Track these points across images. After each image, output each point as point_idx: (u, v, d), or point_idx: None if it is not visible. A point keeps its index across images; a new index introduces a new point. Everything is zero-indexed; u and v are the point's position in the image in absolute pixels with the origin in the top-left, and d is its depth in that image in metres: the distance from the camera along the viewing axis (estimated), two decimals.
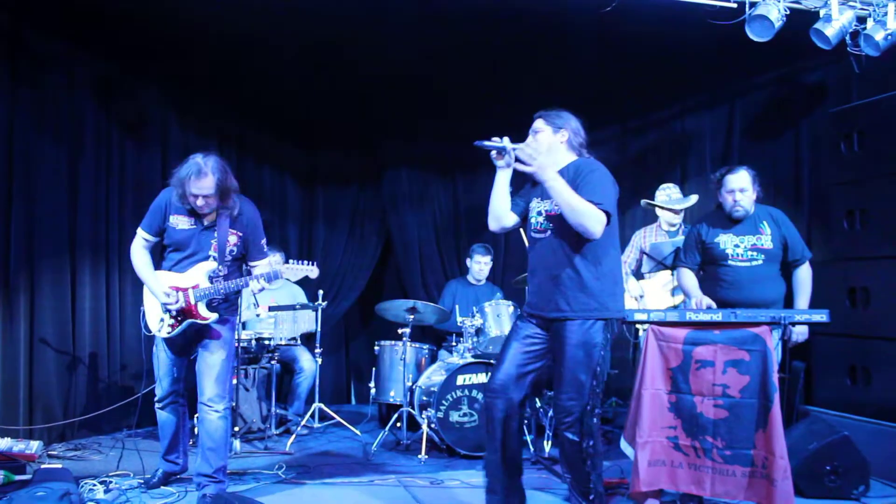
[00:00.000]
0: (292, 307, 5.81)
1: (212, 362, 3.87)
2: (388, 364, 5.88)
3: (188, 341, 3.97)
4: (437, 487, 4.21)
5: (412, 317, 5.58)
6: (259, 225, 4.03)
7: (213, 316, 3.86)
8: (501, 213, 3.55)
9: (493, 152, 3.40)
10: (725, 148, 6.30)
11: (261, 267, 4.00)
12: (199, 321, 3.85)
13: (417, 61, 5.72)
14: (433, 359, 5.98)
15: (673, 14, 4.80)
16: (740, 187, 4.25)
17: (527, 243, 3.63)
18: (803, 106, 5.73)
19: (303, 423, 5.62)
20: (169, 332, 3.89)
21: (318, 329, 5.83)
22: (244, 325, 5.91)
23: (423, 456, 4.87)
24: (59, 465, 4.27)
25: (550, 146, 3.46)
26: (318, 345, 5.81)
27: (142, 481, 4.15)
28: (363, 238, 7.84)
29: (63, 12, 5.04)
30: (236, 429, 5.16)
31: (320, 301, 5.72)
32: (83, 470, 4.37)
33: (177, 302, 3.80)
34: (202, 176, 3.68)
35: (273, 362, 5.73)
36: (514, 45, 5.52)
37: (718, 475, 3.49)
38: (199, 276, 3.86)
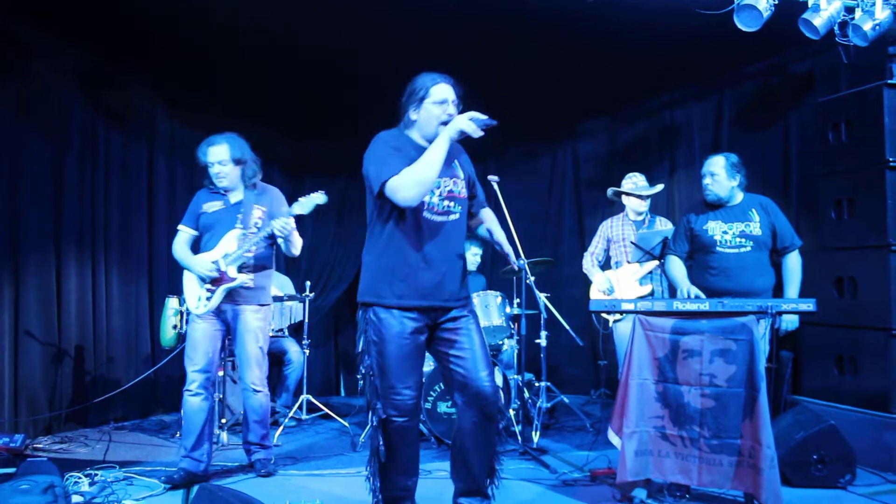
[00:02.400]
0: (280, 299, 5.77)
1: (251, 350, 4.20)
2: None
3: (224, 322, 4.20)
4: (423, 478, 4.14)
5: None
6: (283, 200, 4.37)
7: (242, 277, 4.10)
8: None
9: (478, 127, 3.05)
10: (715, 138, 6.31)
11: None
12: (230, 284, 4.09)
13: (406, 50, 5.65)
14: None
15: (661, 3, 4.81)
16: (710, 171, 4.30)
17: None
18: (792, 96, 5.74)
19: (290, 414, 5.60)
20: (206, 306, 4.11)
21: (306, 320, 5.79)
22: None
23: None
24: (45, 458, 4.23)
25: None
26: (305, 336, 5.77)
27: (163, 478, 4.01)
28: (351, 227, 7.79)
29: (49, 2, 4.97)
30: (223, 421, 5.14)
31: (308, 292, 5.68)
32: (69, 463, 4.33)
33: (213, 272, 4.07)
34: (213, 143, 4.15)
35: None
36: (503, 36, 5.49)
37: (705, 464, 3.49)
38: (227, 243, 4.13)
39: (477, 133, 3.04)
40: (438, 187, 3.12)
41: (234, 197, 4.26)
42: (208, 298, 4.13)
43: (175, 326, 5.28)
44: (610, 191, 5.51)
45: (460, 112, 3.15)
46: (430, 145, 3.06)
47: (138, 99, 6.13)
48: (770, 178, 5.77)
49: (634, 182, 5.44)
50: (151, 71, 6.06)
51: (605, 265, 5.59)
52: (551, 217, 7.69)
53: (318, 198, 4.14)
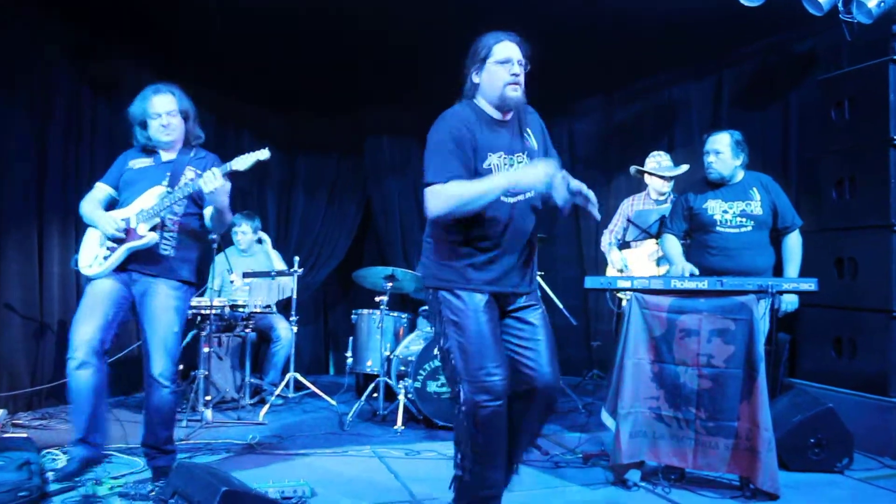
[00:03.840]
0: (268, 274, 5.66)
1: (162, 334, 3.41)
2: (365, 333, 5.76)
3: (132, 294, 3.46)
4: (412, 459, 4.10)
5: (390, 285, 5.44)
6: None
7: (151, 235, 3.38)
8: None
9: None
10: (713, 118, 6.19)
11: None
12: (137, 243, 3.38)
13: (401, 27, 5.53)
14: (412, 328, 5.85)
15: None
16: (715, 149, 4.19)
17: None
18: (792, 75, 5.62)
19: (277, 392, 5.49)
20: (101, 266, 3.42)
21: (295, 297, 5.68)
22: (219, 293, 5.76)
23: (399, 427, 4.76)
24: (24, 435, 4.11)
25: None
26: (294, 313, 5.65)
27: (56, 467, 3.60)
28: (343, 206, 7.72)
29: None
30: (208, 398, 5.03)
31: (296, 268, 5.57)
32: (49, 439, 4.20)
33: (120, 229, 3.40)
34: (161, 92, 3.56)
35: (248, 331, 5.60)
36: (499, 13, 5.31)
37: (701, 447, 3.42)
38: (145, 199, 3.46)
39: (560, 201, 2.70)
40: (512, 165, 2.84)
41: (167, 156, 3.59)
42: (106, 258, 3.43)
43: None
44: (632, 169, 5.37)
45: (527, 73, 2.89)
46: (492, 179, 2.72)
47: (126, 72, 5.96)
48: (769, 158, 5.66)
49: (658, 161, 5.30)
50: (139, 43, 5.88)
51: (623, 245, 5.44)
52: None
53: (261, 154, 3.45)
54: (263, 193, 7.51)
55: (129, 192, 3.52)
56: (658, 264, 5.09)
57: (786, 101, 5.69)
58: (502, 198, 2.77)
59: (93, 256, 3.48)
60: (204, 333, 5.15)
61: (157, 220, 3.43)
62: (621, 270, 5.23)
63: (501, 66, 2.85)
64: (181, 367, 5.42)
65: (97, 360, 3.34)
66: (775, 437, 3.32)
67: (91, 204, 3.56)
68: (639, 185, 5.54)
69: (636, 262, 5.20)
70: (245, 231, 6.18)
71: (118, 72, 5.88)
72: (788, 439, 3.76)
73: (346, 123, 7.48)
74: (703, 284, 3.48)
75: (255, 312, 5.59)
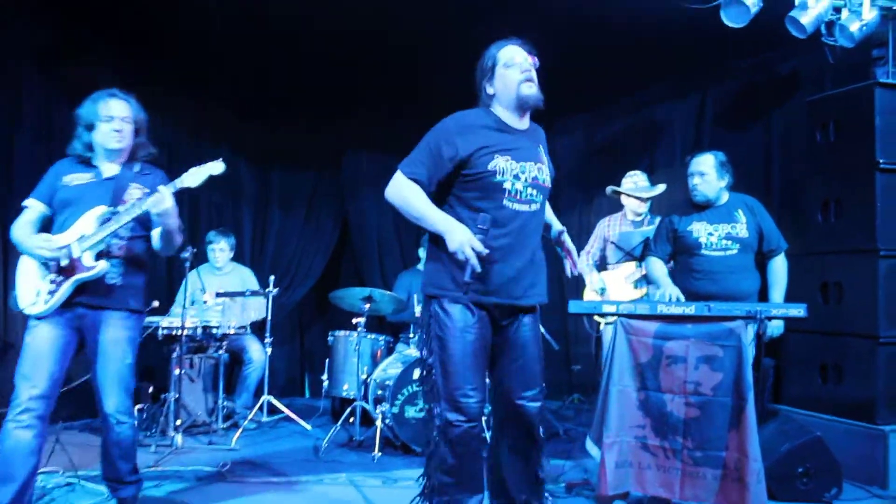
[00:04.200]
0: (241, 294, 5.50)
1: (115, 369, 3.14)
2: (342, 355, 5.61)
3: (77, 330, 3.16)
4: (390, 487, 3.97)
5: (368, 306, 5.31)
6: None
7: (101, 265, 3.07)
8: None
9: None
10: (696, 137, 6.16)
11: None
12: (85, 275, 3.06)
13: (379, 41, 5.44)
14: (390, 351, 5.72)
15: None
16: (699, 170, 4.10)
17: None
18: (776, 96, 5.61)
19: (250, 416, 5.32)
20: (46, 303, 3.07)
21: (269, 318, 5.52)
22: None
23: (376, 453, 4.60)
24: None
25: None
26: (268, 334, 5.50)
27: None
28: (320, 223, 7.58)
29: None
30: (178, 422, 4.85)
31: (272, 288, 5.42)
32: None
33: (59, 255, 3.06)
34: (117, 97, 3.24)
35: (221, 352, 5.43)
36: (480, 28, 5.24)
37: (688, 478, 3.30)
38: (86, 224, 3.12)
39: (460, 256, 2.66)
40: (524, 172, 2.81)
41: (108, 171, 3.24)
42: (51, 293, 3.08)
43: None
44: (609, 189, 5.28)
45: (537, 71, 2.89)
46: (435, 213, 2.74)
47: (98, 80, 5.78)
48: (752, 179, 5.59)
49: (635, 181, 5.23)
50: (113, 51, 5.75)
51: (603, 266, 5.36)
52: None
53: (213, 167, 3.19)
54: (239, 209, 7.35)
55: (67, 214, 3.16)
56: (636, 287, 5.02)
57: (768, 121, 5.67)
58: (508, 203, 2.78)
59: (34, 292, 3.12)
60: (175, 355, 4.98)
61: (103, 246, 3.11)
62: (600, 292, 5.13)
63: (510, 69, 2.84)
64: (151, 389, 5.30)
65: (41, 423, 3.05)
66: (765, 465, 3.22)
67: (24, 228, 3.19)
68: (618, 205, 5.47)
69: (614, 285, 5.11)
70: (223, 248, 6.04)
71: (92, 78, 5.70)
72: (776, 468, 3.66)
73: (324, 138, 7.35)
74: (691, 310, 3.38)
75: (229, 333, 5.43)
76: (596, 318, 5.11)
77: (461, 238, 2.65)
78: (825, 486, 3.73)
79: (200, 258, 6.24)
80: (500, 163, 2.77)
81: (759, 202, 4.20)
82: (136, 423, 3.37)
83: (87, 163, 3.25)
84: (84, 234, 3.09)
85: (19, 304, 3.15)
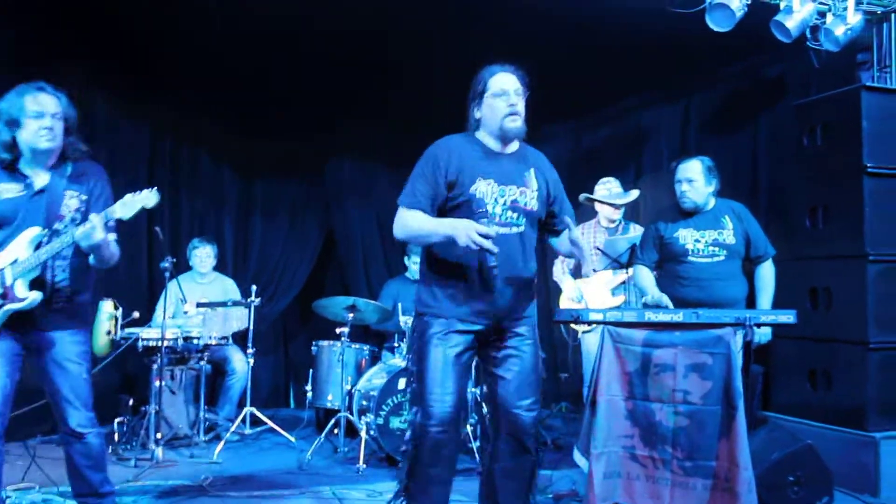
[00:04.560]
0: (223, 304, 5.42)
1: (72, 385, 3.05)
2: (326, 366, 5.52)
3: (26, 347, 3.05)
4: (374, 500, 3.89)
5: (352, 315, 5.23)
6: (108, 187, 3.19)
7: (33, 295, 2.92)
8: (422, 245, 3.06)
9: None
10: (682, 143, 6.13)
11: None
12: (14, 306, 2.91)
13: (362, 46, 5.38)
14: (375, 360, 5.64)
15: (629, 4, 4.62)
16: (687, 177, 4.05)
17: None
18: (762, 101, 5.59)
19: (233, 428, 5.22)
20: None
21: (251, 328, 5.43)
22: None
23: (361, 465, 4.52)
24: None
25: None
26: (250, 345, 5.41)
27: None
28: (304, 232, 7.46)
29: None
30: (159, 435, 4.75)
31: (254, 298, 5.33)
32: None
33: None
34: (47, 91, 2.97)
35: (202, 363, 5.33)
36: (464, 35, 5.22)
37: (678, 488, 3.24)
38: (19, 247, 2.94)
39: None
40: (503, 195, 2.90)
41: (39, 180, 3.01)
42: None
43: (109, 332, 4.87)
44: (582, 196, 5.23)
45: (526, 102, 2.96)
46: (438, 223, 2.84)
47: (75, 87, 5.70)
48: (739, 184, 5.58)
49: (609, 188, 5.18)
50: (89, 57, 5.63)
51: (578, 273, 5.30)
52: None
53: (148, 198, 3.01)
54: (221, 217, 7.24)
55: (6, 233, 2.98)
56: (613, 294, 4.96)
57: (755, 126, 5.66)
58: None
59: None
60: (156, 366, 4.89)
61: (38, 272, 2.96)
62: (577, 300, 5.08)
63: (498, 99, 2.90)
64: (131, 401, 5.19)
65: None
66: (755, 474, 3.17)
67: None
68: (591, 212, 5.42)
69: (591, 292, 5.05)
70: (208, 254, 5.98)
71: (67, 85, 5.62)
72: (767, 477, 3.60)
73: (307, 145, 7.24)
74: (679, 317, 3.33)
75: (211, 344, 5.33)
76: (573, 325, 5.04)
77: (465, 232, 2.69)
78: (816, 495, 3.68)
79: (181, 268, 6.15)
80: (480, 186, 2.87)
81: (746, 208, 4.15)
82: (101, 431, 3.20)
83: (12, 168, 3.02)
84: (17, 259, 2.93)
85: None
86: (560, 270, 5.32)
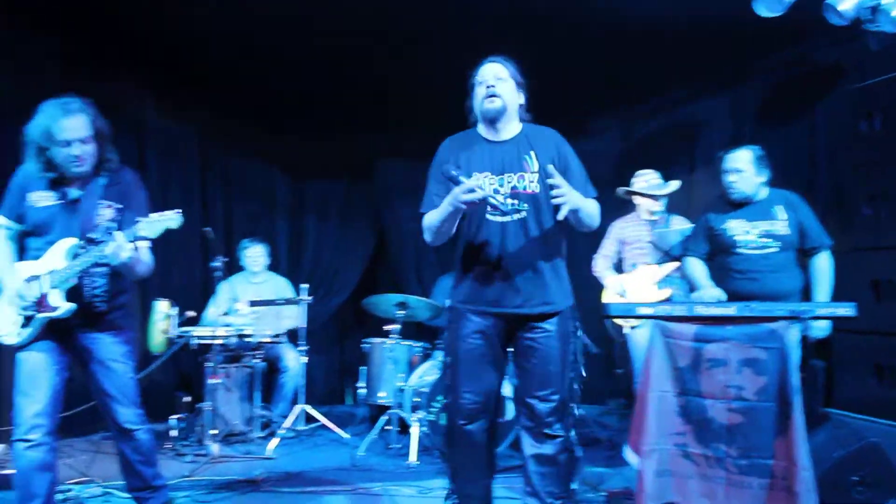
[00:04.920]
0: (275, 302, 5.49)
1: (118, 383, 3.14)
2: (377, 363, 5.55)
3: (64, 348, 3.11)
4: (424, 496, 3.89)
5: (402, 312, 5.25)
6: (142, 196, 3.24)
7: (67, 305, 2.99)
8: (450, 235, 3.03)
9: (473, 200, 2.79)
10: (736, 134, 5.95)
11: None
12: (50, 314, 2.99)
13: (409, 46, 5.40)
14: (427, 357, 5.64)
15: None
16: (735, 167, 3.94)
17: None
18: (818, 87, 5.40)
19: (286, 425, 5.29)
20: (19, 335, 3.02)
21: (304, 326, 5.49)
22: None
23: (412, 461, 4.54)
24: None
25: (513, 103, 3.05)
26: (302, 342, 5.48)
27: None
28: (356, 231, 7.57)
29: None
30: (214, 432, 4.84)
31: (305, 296, 5.39)
32: None
33: (31, 298, 3.01)
34: (70, 114, 2.97)
35: (256, 360, 5.41)
36: (511, 30, 5.18)
37: (733, 487, 3.14)
38: (55, 257, 3.03)
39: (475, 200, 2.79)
40: (502, 185, 2.95)
41: (75, 190, 3.10)
42: (23, 326, 3.02)
43: (165, 331, 4.99)
44: (620, 190, 5.14)
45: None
46: (441, 208, 2.89)
47: (127, 94, 5.86)
48: (794, 174, 5.41)
49: (647, 180, 5.07)
50: (141, 65, 5.78)
51: (619, 268, 5.22)
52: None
53: (171, 220, 2.97)
54: (274, 219, 7.38)
55: (40, 241, 3.08)
56: (659, 287, 4.86)
57: (811, 114, 5.47)
58: (490, 217, 2.93)
59: (10, 321, 3.05)
60: (210, 364, 4.98)
61: (74, 282, 3.02)
62: (621, 296, 4.98)
63: (479, 86, 3.03)
64: (188, 399, 5.30)
65: (50, 438, 3.01)
66: (815, 474, 3.06)
67: (0, 252, 3.13)
68: (630, 206, 5.31)
69: (635, 286, 4.95)
70: (259, 253, 6.08)
71: (119, 95, 5.76)
72: (829, 476, 3.47)
73: (356, 146, 7.30)
74: (731, 310, 3.23)
75: (264, 342, 5.41)
76: (618, 321, 4.94)
77: (453, 200, 2.79)
78: (882, 496, 3.52)
79: (235, 268, 6.26)
80: (477, 180, 2.90)
81: (801, 197, 4.00)
82: (150, 428, 3.30)
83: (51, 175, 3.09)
84: (54, 269, 3.01)
85: None
86: (602, 266, 5.23)
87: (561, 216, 2.83)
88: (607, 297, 5.12)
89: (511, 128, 3.05)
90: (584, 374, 3.14)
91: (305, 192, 7.57)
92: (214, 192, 6.83)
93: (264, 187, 7.34)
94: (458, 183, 2.80)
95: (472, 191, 2.75)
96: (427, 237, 3.03)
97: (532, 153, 2.99)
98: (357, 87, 6.14)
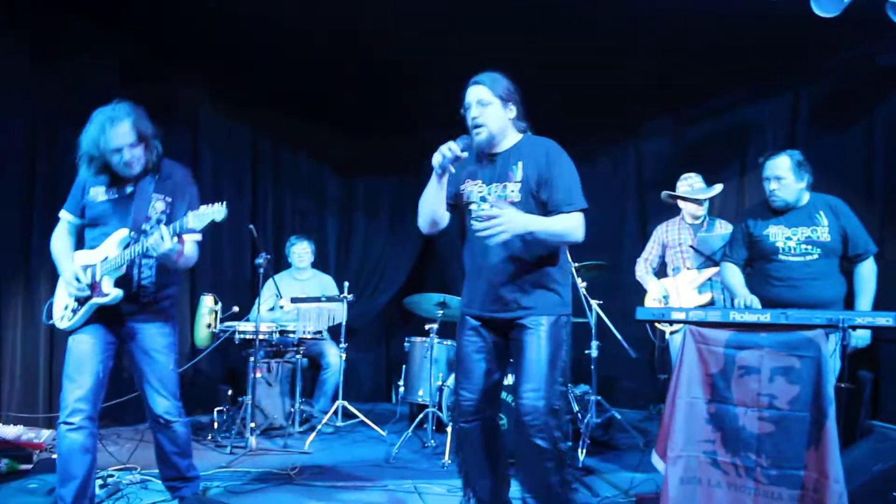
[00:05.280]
0: (317, 299, 5.57)
1: (160, 374, 3.28)
2: (417, 362, 5.59)
3: (117, 336, 3.27)
4: (453, 495, 3.89)
5: (442, 312, 5.27)
6: (193, 191, 3.38)
7: (116, 292, 3.15)
8: (439, 216, 3.11)
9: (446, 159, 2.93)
10: (789, 138, 5.82)
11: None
12: (101, 300, 3.16)
13: (458, 45, 5.41)
14: None
15: None
16: (775, 174, 3.81)
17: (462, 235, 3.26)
18: (877, 91, 5.24)
19: (325, 420, 5.37)
20: (71, 320, 3.20)
21: (345, 323, 5.57)
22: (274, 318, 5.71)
23: (447, 461, 4.55)
24: None
25: (501, 124, 3.08)
26: (342, 340, 5.54)
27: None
28: (404, 229, 7.61)
29: None
30: (253, 425, 4.94)
31: (346, 293, 5.46)
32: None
33: (85, 282, 3.18)
34: (117, 122, 3.14)
35: (298, 356, 5.51)
36: (562, 31, 5.17)
37: (762, 498, 3.07)
38: (109, 247, 3.20)
39: (447, 160, 2.93)
40: (490, 194, 3.05)
41: (130, 186, 3.29)
42: (74, 311, 3.20)
43: (209, 325, 5.13)
44: (664, 194, 5.08)
45: (489, 112, 3.07)
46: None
47: (182, 92, 6.04)
48: (851, 182, 5.26)
49: (690, 184, 5.01)
50: (195, 63, 5.98)
51: (662, 272, 5.15)
52: (612, 221, 7.25)
53: (216, 212, 3.03)
54: (324, 215, 7.49)
55: (95, 232, 3.28)
56: (700, 292, 4.77)
57: (870, 118, 5.31)
58: (475, 224, 2.94)
59: (63, 307, 3.26)
60: (252, 359, 5.09)
61: (123, 271, 3.19)
62: (659, 300, 4.91)
63: (466, 113, 3.09)
64: (230, 392, 5.42)
65: (91, 423, 3.13)
66: (852, 487, 2.96)
67: (61, 242, 3.34)
68: (676, 209, 5.22)
69: (676, 291, 4.87)
70: (306, 250, 6.17)
71: (174, 93, 5.95)
72: (866, 490, 3.34)
73: (405, 145, 7.37)
74: (766, 317, 3.16)
75: (306, 339, 5.50)
76: (659, 325, 4.88)
77: (434, 163, 2.94)
78: None
79: (282, 265, 6.38)
80: (468, 186, 3.11)
81: (844, 203, 3.87)
82: (187, 421, 3.43)
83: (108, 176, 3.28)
84: (107, 257, 3.19)
85: (53, 316, 3.30)
86: (643, 269, 5.18)
87: (492, 242, 2.86)
88: (649, 302, 5.06)
89: (506, 142, 3.11)
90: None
91: (355, 190, 7.66)
92: (266, 187, 6.97)
93: (315, 183, 7.46)
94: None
95: (449, 149, 2.90)
96: (418, 222, 3.18)
97: (519, 164, 3.03)
98: (406, 86, 6.19)
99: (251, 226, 5.16)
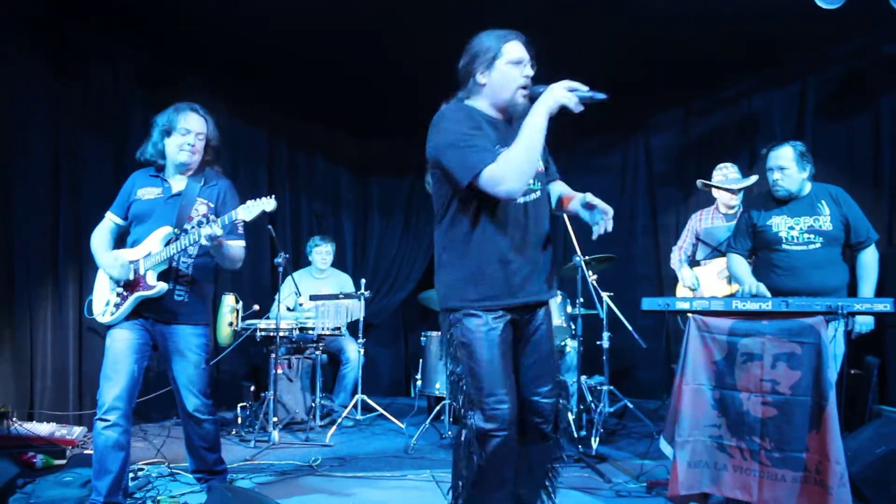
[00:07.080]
0: (335, 296, 5.71)
1: (191, 374, 3.40)
2: (434, 355, 5.71)
3: (151, 337, 3.39)
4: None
5: None
6: (235, 198, 3.51)
7: (161, 285, 3.29)
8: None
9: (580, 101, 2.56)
10: (797, 128, 5.89)
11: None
12: (146, 293, 3.29)
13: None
14: None
15: None
16: (779, 165, 3.90)
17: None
18: (883, 80, 5.29)
19: (345, 414, 5.51)
20: (112, 315, 3.32)
21: (362, 319, 5.70)
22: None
23: None
24: None
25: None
26: (360, 335, 5.68)
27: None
28: (419, 227, 7.74)
29: (106, 4, 5.05)
30: (276, 419, 5.08)
31: (363, 291, 5.59)
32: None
33: (127, 274, 3.32)
34: (198, 112, 3.49)
35: (318, 352, 5.66)
36: (571, 25, 5.26)
37: (767, 479, 3.17)
38: (152, 243, 3.34)
39: (578, 108, 2.55)
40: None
41: (176, 185, 3.45)
42: (117, 305, 3.33)
43: (231, 324, 5.28)
44: (699, 182, 5.14)
45: (538, 78, 2.74)
46: (526, 122, 2.56)
47: (198, 98, 6.15)
48: (859, 170, 5.33)
49: (725, 174, 5.07)
50: (211, 70, 6.11)
51: (695, 262, 5.22)
52: (623, 214, 7.31)
53: (266, 203, 3.23)
54: (339, 216, 7.62)
55: (139, 229, 3.40)
56: (729, 282, 4.84)
57: (877, 107, 5.37)
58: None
59: (104, 302, 3.39)
60: (273, 356, 5.24)
61: (165, 266, 3.34)
62: (693, 289, 4.99)
63: (515, 67, 2.71)
64: (253, 387, 5.58)
65: (126, 421, 3.24)
66: (856, 470, 3.07)
67: (101, 237, 3.48)
68: (709, 199, 5.30)
69: (707, 280, 4.96)
70: (328, 251, 6.31)
71: (191, 100, 6.07)
72: (871, 472, 3.44)
73: (418, 145, 7.48)
74: (767, 305, 3.25)
75: (325, 335, 5.64)
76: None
77: (556, 92, 2.55)
78: None
79: (300, 264, 6.52)
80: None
81: (845, 192, 3.94)
82: (216, 418, 3.58)
83: (158, 174, 3.49)
84: (151, 252, 3.33)
85: (94, 311, 3.44)
86: (676, 258, 5.25)
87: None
88: (681, 291, 5.14)
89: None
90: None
91: (370, 190, 7.80)
92: (281, 188, 7.11)
93: (330, 185, 7.60)
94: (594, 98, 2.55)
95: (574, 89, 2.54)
96: (514, 183, 2.52)
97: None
98: (420, 87, 6.28)
99: (269, 226, 5.30)
